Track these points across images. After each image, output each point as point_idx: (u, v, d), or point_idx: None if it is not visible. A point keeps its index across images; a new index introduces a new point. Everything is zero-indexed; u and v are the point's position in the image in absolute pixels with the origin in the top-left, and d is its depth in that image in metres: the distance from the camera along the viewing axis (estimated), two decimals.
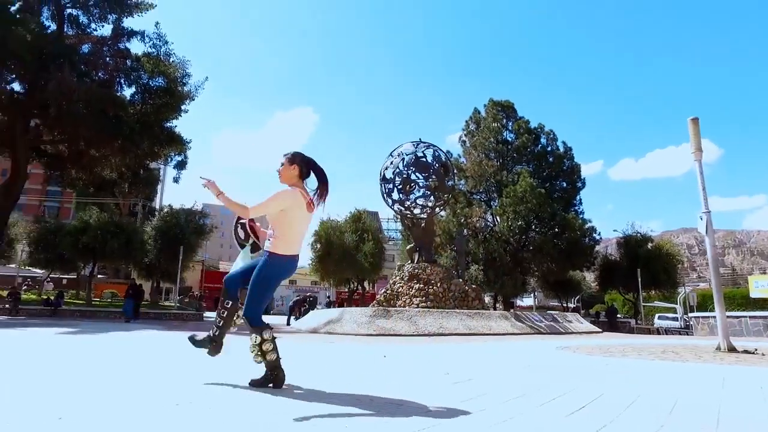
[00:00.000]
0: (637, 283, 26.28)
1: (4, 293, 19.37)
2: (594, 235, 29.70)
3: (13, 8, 19.09)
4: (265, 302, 3.13)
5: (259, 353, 2.98)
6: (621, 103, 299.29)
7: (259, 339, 2.94)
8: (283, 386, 3.01)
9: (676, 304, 30.82)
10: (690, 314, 22.64)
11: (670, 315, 30.46)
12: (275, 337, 3.04)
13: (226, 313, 3.19)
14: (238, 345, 4.03)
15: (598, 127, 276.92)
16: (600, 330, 18.43)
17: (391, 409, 2.47)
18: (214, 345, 3.22)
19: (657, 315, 31.96)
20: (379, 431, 2.03)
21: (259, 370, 3.11)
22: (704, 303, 29.40)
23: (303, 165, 3.14)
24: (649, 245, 29.80)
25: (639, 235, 30.30)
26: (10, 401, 2.46)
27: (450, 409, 2.52)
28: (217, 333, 3.21)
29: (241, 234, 3.52)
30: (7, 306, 17.07)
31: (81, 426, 1.97)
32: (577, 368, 4.71)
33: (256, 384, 3.00)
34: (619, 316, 31.68)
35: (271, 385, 2.99)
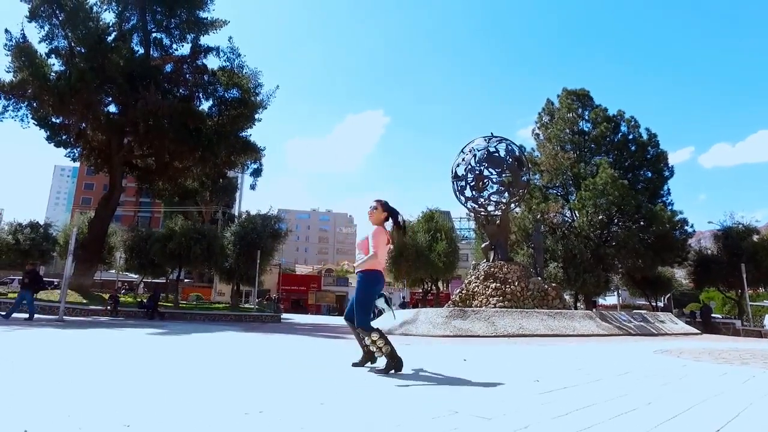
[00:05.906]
0: (741, 279, 23.66)
1: (106, 296, 21.16)
2: (686, 227, 27.27)
3: (109, 38, 20.96)
4: (371, 311, 4.11)
5: (377, 349, 3.88)
6: (713, 81, 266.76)
7: (369, 340, 3.89)
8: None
9: None
10: None
11: None
12: (384, 333, 3.96)
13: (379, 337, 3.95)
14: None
15: (686, 110, 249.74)
16: (698, 331, 16.70)
17: (479, 427, 2.19)
18: (394, 363, 3.94)
19: (767, 316, 28.65)
20: None
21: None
22: None
23: (387, 211, 4.33)
24: (755, 237, 26.76)
25: (741, 226, 27.24)
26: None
27: (546, 427, 2.19)
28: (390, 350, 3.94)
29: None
30: (108, 308, 18.62)
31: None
32: (688, 377, 4.12)
33: (380, 372, 3.85)
34: (717, 316, 28.78)
35: (392, 371, 3.84)
